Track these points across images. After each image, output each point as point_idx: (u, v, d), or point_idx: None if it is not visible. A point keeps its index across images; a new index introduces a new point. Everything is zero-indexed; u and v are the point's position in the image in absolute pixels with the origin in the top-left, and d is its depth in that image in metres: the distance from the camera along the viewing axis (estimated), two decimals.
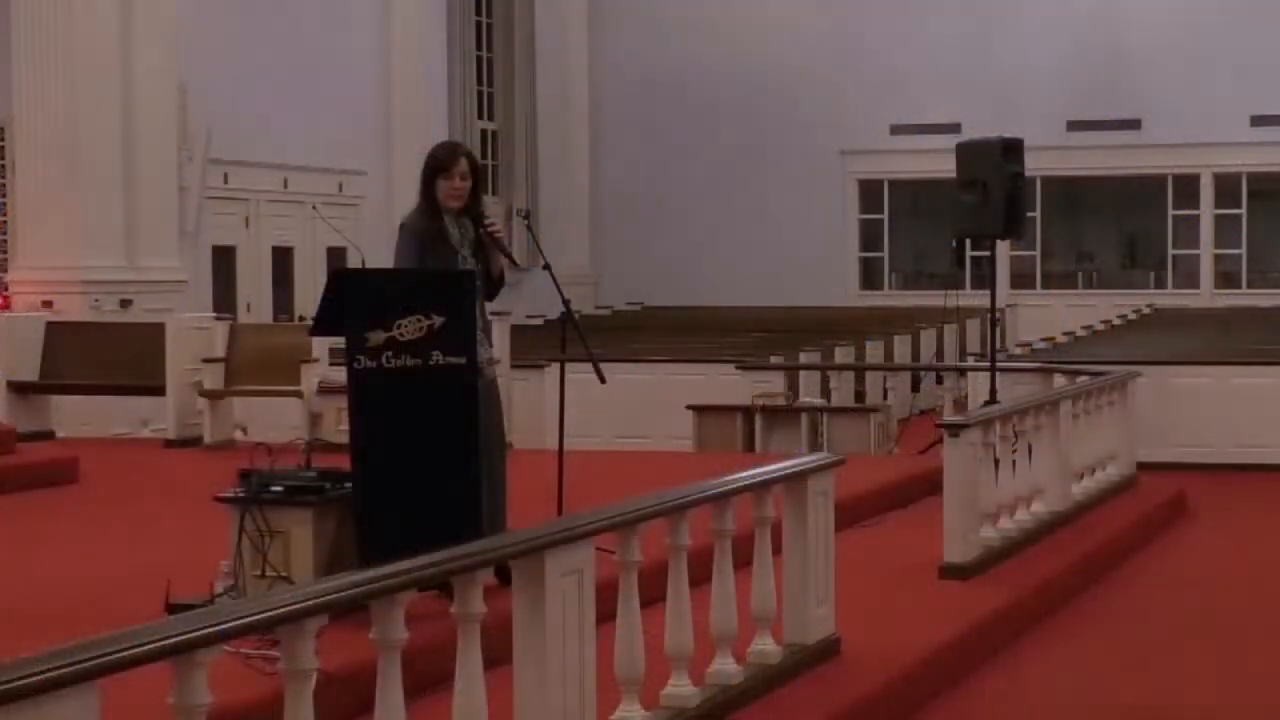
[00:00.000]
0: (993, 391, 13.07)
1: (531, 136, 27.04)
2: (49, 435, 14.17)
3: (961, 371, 17.90)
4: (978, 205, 12.96)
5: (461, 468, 6.91)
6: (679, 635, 5.89)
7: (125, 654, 3.52)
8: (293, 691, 4.18)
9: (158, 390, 14.30)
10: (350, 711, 5.64)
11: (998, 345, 14.05)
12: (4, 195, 18.13)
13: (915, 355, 20.14)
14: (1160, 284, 27.44)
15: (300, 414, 13.75)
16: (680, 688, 5.90)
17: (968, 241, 15.07)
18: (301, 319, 20.21)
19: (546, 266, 8.89)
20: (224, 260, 20.51)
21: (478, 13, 26.13)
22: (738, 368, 15.66)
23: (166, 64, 17.72)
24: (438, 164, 7.49)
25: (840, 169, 28.08)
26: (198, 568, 7.16)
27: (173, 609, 6.50)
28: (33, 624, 6.84)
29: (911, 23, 27.57)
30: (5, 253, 18.01)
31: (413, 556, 4.58)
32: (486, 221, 7.58)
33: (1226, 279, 27.17)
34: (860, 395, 17.18)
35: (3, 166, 18.14)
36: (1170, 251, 27.46)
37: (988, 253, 14.51)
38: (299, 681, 4.17)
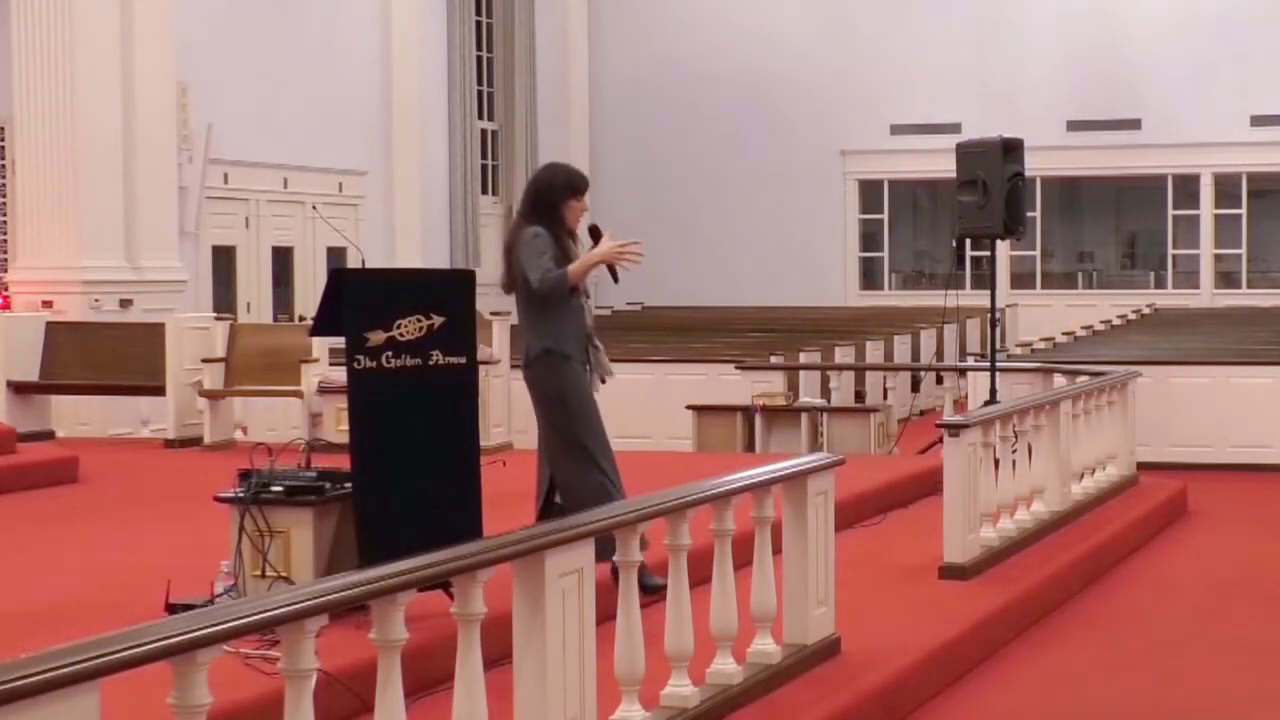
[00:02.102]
0: (993, 391, 13.07)
1: (531, 136, 27.05)
2: (49, 435, 14.17)
3: (961, 371, 17.90)
4: (978, 205, 12.96)
5: (461, 468, 6.91)
6: (679, 635, 5.89)
7: (125, 654, 3.52)
8: (293, 691, 4.18)
9: (158, 390, 14.30)
10: (350, 711, 5.64)
11: (998, 345, 14.04)
12: (4, 195, 18.14)
13: (915, 355, 20.14)
14: (1160, 284, 27.46)
15: (300, 414, 13.76)
16: (680, 688, 5.90)
17: (968, 241, 15.07)
18: (301, 319, 20.21)
19: None
20: (224, 260, 20.52)
21: (478, 13, 26.13)
22: (738, 368, 15.66)
23: (166, 64, 17.73)
24: (576, 185, 7.56)
25: (840, 169, 28.09)
26: (198, 568, 7.17)
27: (173, 609, 6.51)
28: (33, 624, 6.84)
29: (911, 23, 27.59)
30: (5, 253, 18.01)
31: (413, 556, 4.58)
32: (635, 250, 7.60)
33: (1226, 279, 27.18)
34: (860, 395, 17.18)
35: (3, 166, 18.14)
36: (1170, 251, 27.48)
37: (988, 253, 14.51)
38: (299, 681, 4.17)
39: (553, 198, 7.53)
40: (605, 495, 7.34)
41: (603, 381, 7.66)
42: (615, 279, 7.81)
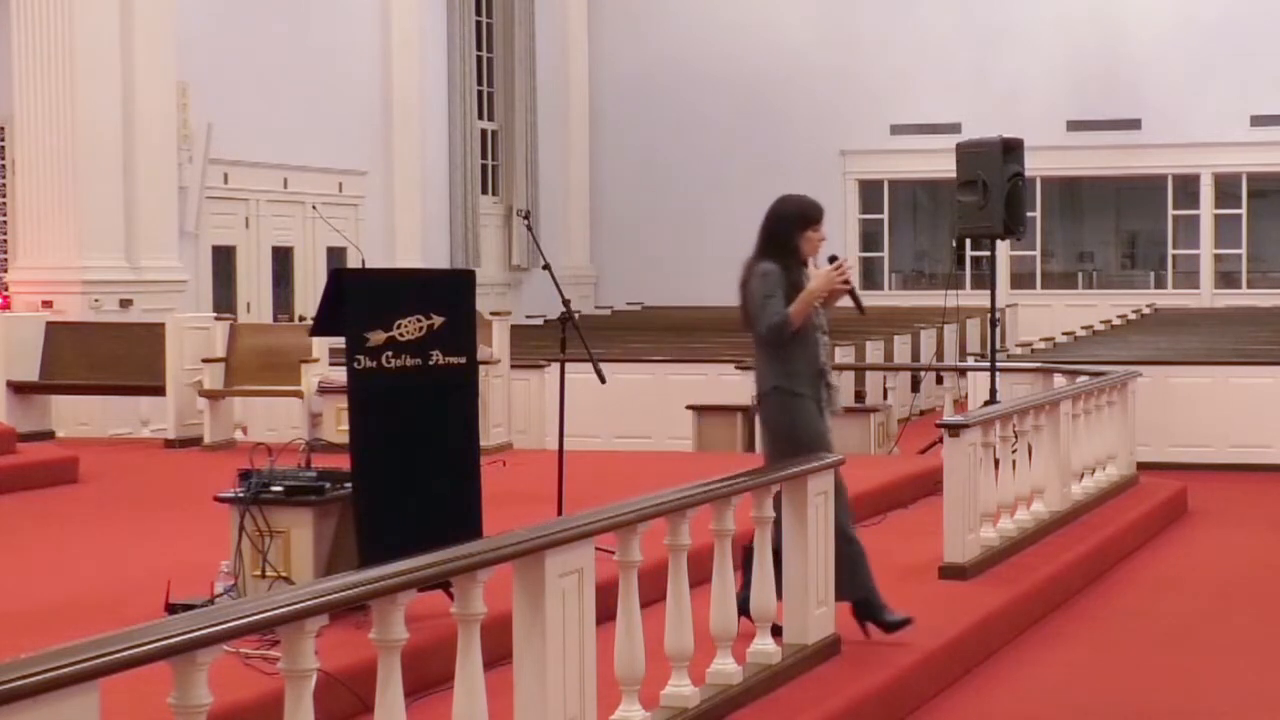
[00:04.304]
0: (993, 391, 13.08)
1: (531, 136, 27.05)
2: (49, 435, 14.17)
3: (961, 371, 17.90)
4: (978, 205, 12.97)
5: (461, 468, 6.91)
6: (679, 635, 5.89)
7: (125, 654, 3.52)
8: (293, 691, 4.18)
9: (158, 390, 14.30)
10: (350, 711, 5.64)
11: (998, 345, 14.05)
12: (4, 195, 18.14)
13: (915, 355, 20.13)
14: (1160, 284, 27.46)
15: (300, 414, 13.76)
16: (680, 688, 5.90)
17: (968, 241, 15.08)
18: (301, 319, 20.21)
19: (546, 266, 8.91)
20: (224, 260, 20.52)
21: (478, 13, 26.13)
22: (738, 368, 15.65)
23: (166, 64, 17.72)
24: (809, 215, 7.45)
25: (840, 169, 28.09)
26: (198, 568, 7.17)
27: (173, 609, 6.51)
28: (33, 624, 6.85)
29: (912, 23, 27.59)
30: (5, 253, 18.02)
31: (413, 556, 4.58)
32: (846, 269, 7.55)
33: (1226, 279, 27.19)
34: (860, 395, 17.18)
35: (3, 166, 18.14)
36: (1170, 251, 27.48)
37: (988, 253, 14.52)
38: (299, 681, 4.17)
39: (786, 230, 7.41)
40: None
41: (832, 416, 7.59)
42: (860, 309, 7.84)
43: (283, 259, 21.49)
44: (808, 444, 7.24)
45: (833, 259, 7.51)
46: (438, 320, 6.79)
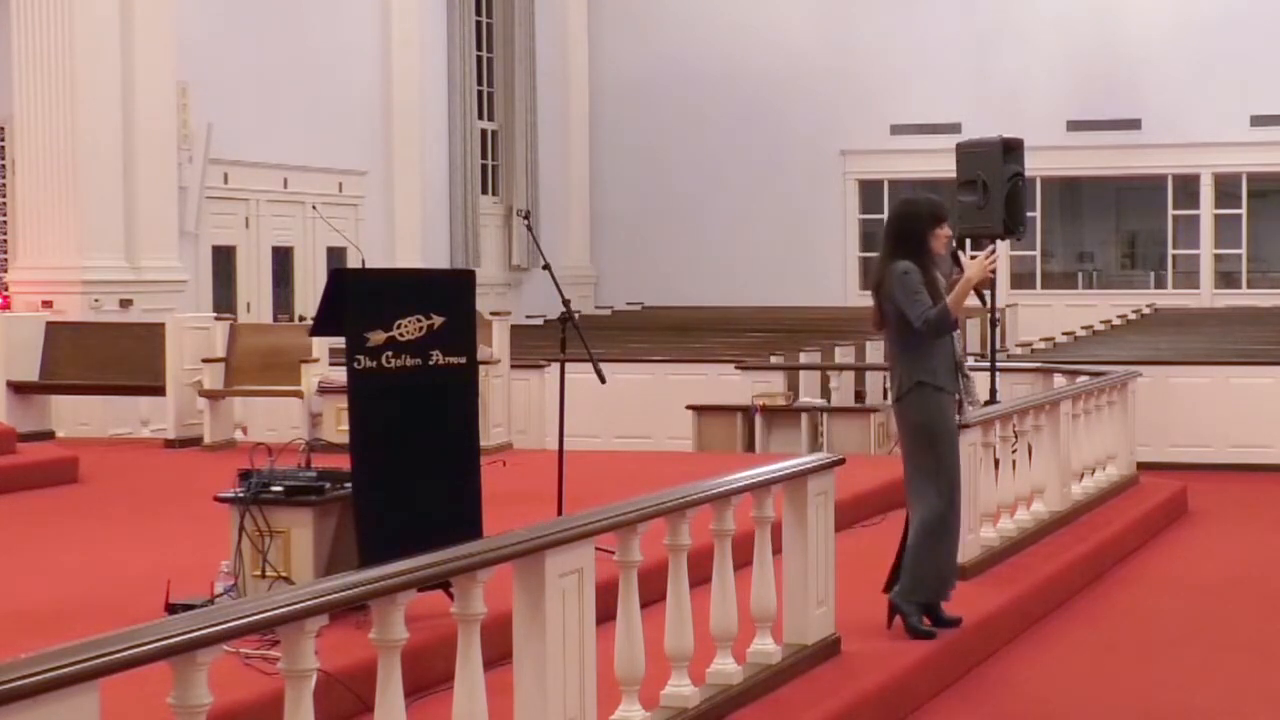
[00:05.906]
0: (993, 391, 13.07)
1: (531, 136, 27.05)
2: (49, 435, 14.17)
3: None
4: (978, 205, 12.96)
5: (461, 468, 6.91)
6: (679, 635, 5.89)
7: (125, 654, 3.52)
8: (293, 691, 4.18)
9: (158, 390, 14.30)
10: (350, 711, 5.64)
11: (998, 345, 14.04)
12: (4, 195, 18.14)
13: None
14: (1160, 284, 27.45)
15: (300, 414, 13.76)
16: (680, 688, 5.90)
17: (968, 242, 15.06)
18: (301, 319, 20.21)
19: (546, 266, 8.91)
20: (224, 260, 20.52)
21: (478, 13, 26.13)
22: (738, 368, 15.66)
23: (166, 64, 17.73)
24: (939, 214, 7.57)
25: (840, 169, 28.09)
26: (198, 568, 7.17)
27: (173, 609, 6.51)
28: (33, 624, 6.85)
29: (912, 23, 27.59)
30: (5, 253, 18.01)
31: (413, 556, 4.58)
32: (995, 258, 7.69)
33: (1226, 279, 27.18)
34: (860, 395, 17.18)
35: (3, 166, 18.14)
36: (1170, 251, 27.48)
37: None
38: (299, 681, 4.17)
39: (919, 228, 7.50)
40: (946, 528, 7.58)
41: (970, 408, 7.69)
42: (984, 302, 7.91)
43: (283, 259, 21.49)
44: (939, 440, 7.51)
45: (952, 253, 7.63)
46: (438, 320, 6.79)
